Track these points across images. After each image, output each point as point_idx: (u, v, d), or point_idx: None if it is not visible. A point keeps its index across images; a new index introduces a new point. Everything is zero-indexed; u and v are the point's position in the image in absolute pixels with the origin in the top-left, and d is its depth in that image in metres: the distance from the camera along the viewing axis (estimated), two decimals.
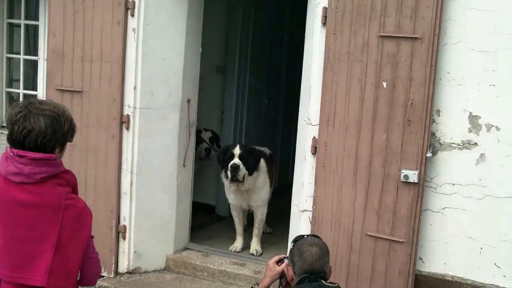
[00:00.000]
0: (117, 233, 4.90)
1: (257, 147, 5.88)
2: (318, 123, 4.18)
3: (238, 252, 5.47)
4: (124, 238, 4.91)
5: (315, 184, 4.21)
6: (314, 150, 4.22)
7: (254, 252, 5.43)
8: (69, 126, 2.51)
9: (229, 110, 6.84)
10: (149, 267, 5.10)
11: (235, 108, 6.81)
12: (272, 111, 7.91)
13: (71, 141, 2.60)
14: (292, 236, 4.55)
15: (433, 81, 3.81)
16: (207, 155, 5.95)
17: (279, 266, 3.13)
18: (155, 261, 5.14)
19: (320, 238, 2.94)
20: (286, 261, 3.04)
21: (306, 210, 4.30)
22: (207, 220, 6.49)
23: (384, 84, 3.94)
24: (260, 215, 5.55)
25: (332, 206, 4.15)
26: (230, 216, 5.84)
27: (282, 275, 3.10)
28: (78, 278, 2.50)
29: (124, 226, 4.90)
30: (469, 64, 3.82)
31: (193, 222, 5.59)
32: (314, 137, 4.22)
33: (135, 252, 4.96)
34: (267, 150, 6.07)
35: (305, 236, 2.98)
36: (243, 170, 5.14)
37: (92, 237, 2.57)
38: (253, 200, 5.45)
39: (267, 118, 7.72)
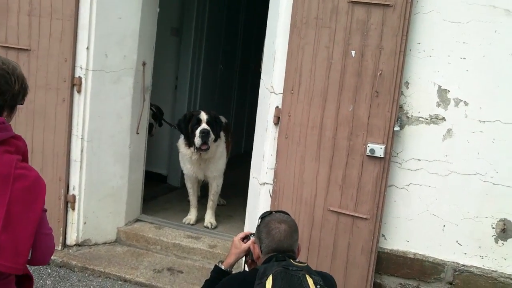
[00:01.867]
0: (66, 203, 4.62)
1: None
2: (281, 92, 3.98)
3: (192, 224, 5.28)
4: (73, 209, 4.64)
5: (276, 156, 4.02)
6: (277, 121, 4.02)
7: (209, 225, 5.25)
8: (20, 86, 2.17)
9: (183, 75, 6.56)
10: (99, 240, 4.85)
11: (190, 73, 6.54)
12: (227, 78, 7.67)
13: (22, 104, 2.28)
14: (250, 209, 4.39)
15: (403, 52, 3.65)
16: (150, 131, 5.63)
17: (245, 243, 2.93)
18: (106, 233, 4.89)
19: (289, 215, 2.76)
20: (252, 238, 2.86)
21: (266, 183, 4.12)
22: (159, 191, 6.27)
23: (353, 52, 3.76)
24: (216, 187, 5.35)
25: (294, 179, 3.98)
26: (183, 186, 5.66)
27: (247, 253, 2.91)
28: (29, 257, 2.19)
29: (74, 196, 4.61)
30: (440, 35, 3.67)
31: (145, 193, 5.35)
32: (277, 107, 4.02)
33: (84, 223, 4.70)
34: (223, 119, 5.84)
35: (273, 212, 2.78)
36: (211, 136, 4.97)
37: (45, 210, 2.27)
38: (210, 170, 5.24)
39: (222, 85, 7.49)
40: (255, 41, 8.33)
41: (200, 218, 5.38)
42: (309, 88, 3.89)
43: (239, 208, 5.70)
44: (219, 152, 5.24)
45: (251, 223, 4.33)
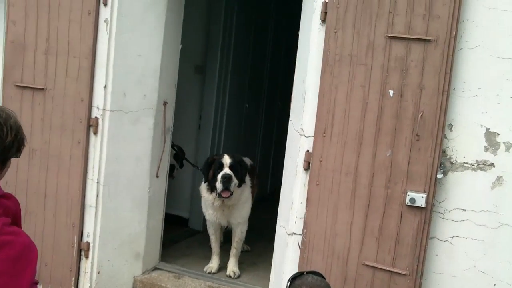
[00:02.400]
0: (79, 250, 4.32)
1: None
2: (312, 135, 3.66)
3: (214, 273, 4.94)
4: (86, 257, 4.33)
5: (307, 204, 3.68)
6: (307, 166, 3.69)
7: (232, 274, 4.90)
8: (14, 138, 1.90)
9: (207, 115, 6.26)
10: None
11: (214, 112, 6.25)
12: (253, 116, 7.38)
13: (17, 157, 1.99)
14: (277, 261, 4.05)
15: (447, 91, 3.32)
16: (171, 173, 5.33)
17: None
18: (121, 283, 4.56)
19: (323, 277, 2.41)
20: None
21: (295, 234, 3.77)
22: (179, 235, 5.95)
23: (391, 92, 3.44)
24: (240, 233, 5.02)
25: (326, 230, 3.63)
26: (205, 230, 5.35)
27: None
28: None
29: (88, 243, 4.31)
30: (488, 72, 3.33)
31: (164, 237, 5.02)
32: (308, 151, 3.70)
33: (98, 272, 4.37)
34: (248, 161, 5.55)
35: (305, 274, 2.44)
36: (235, 181, 4.66)
37: (36, 283, 1.94)
38: (234, 216, 4.92)
39: (248, 124, 7.19)
40: (282, 78, 8.10)
41: (222, 266, 5.05)
42: (343, 131, 3.57)
43: (264, 255, 5.37)
44: (244, 197, 4.92)
45: (277, 277, 3.98)
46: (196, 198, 5.73)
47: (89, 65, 4.16)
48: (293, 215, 3.79)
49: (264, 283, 4.69)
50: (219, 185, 4.60)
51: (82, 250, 4.32)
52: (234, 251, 5.01)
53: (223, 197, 4.66)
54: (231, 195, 4.65)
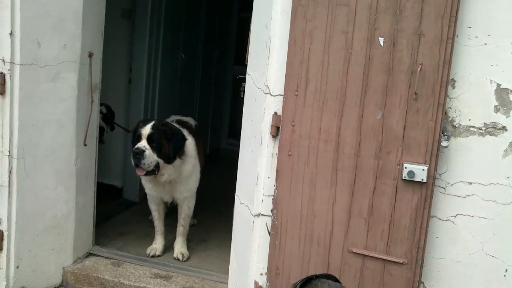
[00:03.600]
0: None
1: (180, 117, 4.61)
2: (281, 93, 2.96)
3: (159, 255, 4.22)
4: (1, 249, 3.49)
5: (276, 179, 3.00)
6: (276, 132, 2.99)
7: (180, 257, 4.21)
8: None
9: (139, 67, 5.38)
10: (39, 285, 3.71)
11: (147, 63, 5.39)
12: (189, 67, 6.52)
13: None
14: (238, 249, 3.42)
15: (451, 39, 2.67)
16: (100, 137, 4.42)
17: None
18: (48, 276, 3.76)
19: (338, 281, 1.78)
20: None
21: (263, 215, 3.09)
22: (113, 208, 5.18)
23: (381, 40, 2.76)
24: (187, 209, 4.29)
25: (301, 210, 2.97)
26: (142, 202, 4.72)
27: None
28: None
29: (1, 232, 3.47)
30: (500, 15, 2.70)
31: (96, 211, 4.18)
32: (276, 113, 2.99)
33: (17, 267, 3.55)
34: (192, 121, 4.80)
35: (315, 279, 1.82)
36: (151, 158, 3.81)
37: None
38: (178, 191, 4.17)
39: (184, 76, 6.34)
40: (219, 21, 7.29)
41: (167, 246, 4.32)
42: (320, 88, 2.87)
43: (213, 229, 4.75)
44: (187, 170, 4.12)
45: (241, 266, 3.32)
46: (130, 165, 4.95)
47: None
48: (259, 192, 3.10)
49: (218, 265, 4.06)
50: (132, 161, 3.82)
51: None
52: (181, 229, 4.29)
53: (138, 175, 3.89)
54: (152, 173, 3.86)
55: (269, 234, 3.06)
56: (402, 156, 2.78)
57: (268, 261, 3.08)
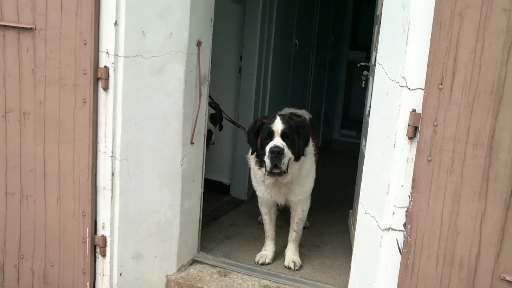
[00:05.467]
0: (93, 247, 3.27)
1: (293, 110, 4.25)
2: (422, 87, 2.47)
3: (268, 263, 3.87)
4: (103, 255, 3.27)
5: (412, 188, 2.52)
6: (413, 133, 2.52)
7: (292, 266, 3.84)
8: None
9: (250, 55, 5.02)
10: None
11: (259, 51, 5.03)
12: (303, 55, 6.09)
13: None
14: (360, 262, 2.96)
15: None
16: (208, 139, 4.13)
17: None
18: (151, 285, 3.52)
19: None
20: None
21: (393, 229, 2.63)
22: (220, 207, 4.91)
23: None
24: (301, 213, 3.89)
25: (442, 226, 2.48)
26: (251, 200, 4.45)
27: None
28: None
29: (104, 237, 3.25)
30: None
31: (203, 209, 3.88)
32: (414, 110, 2.51)
33: (120, 274, 3.32)
34: (306, 114, 4.39)
35: None
36: (288, 156, 3.47)
37: None
38: (293, 193, 3.78)
39: (297, 64, 5.92)
40: (334, 3, 6.83)
41: (277, 251, 3.96)
42: (471, 81, 2.36)
43: (326, 234, 4.38)
44: (305, 170, 3.75)
45: (364, 284, 2.87)
46: (239, 162, 4.65)
47: None
48: (390, 203, 2.64)
49: (333, 276, 3.68)
50: (267, 161, 3.45)
51: (97, 246, 3.27)
52: (293, 235, 3.90)
53: (275, 175, 3.51)
54: (284, 172, 3.49)
55: (400, 252, 2.60)
56: None
57: (398, 283, 2.63)
